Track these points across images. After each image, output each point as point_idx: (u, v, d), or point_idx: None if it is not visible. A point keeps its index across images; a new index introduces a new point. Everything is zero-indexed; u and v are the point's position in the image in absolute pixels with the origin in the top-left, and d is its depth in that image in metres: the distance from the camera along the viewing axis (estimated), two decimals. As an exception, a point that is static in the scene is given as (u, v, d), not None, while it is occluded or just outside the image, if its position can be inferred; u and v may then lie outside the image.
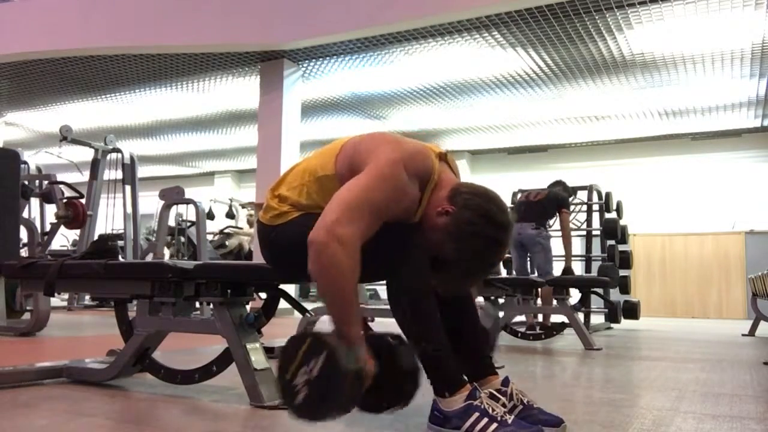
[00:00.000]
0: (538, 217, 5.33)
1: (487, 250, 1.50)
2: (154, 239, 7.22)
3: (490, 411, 1.39)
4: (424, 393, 1.47)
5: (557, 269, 5.24)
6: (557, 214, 5.45)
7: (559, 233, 5.47)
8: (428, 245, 1.55)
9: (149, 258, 6.37)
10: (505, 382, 1.57)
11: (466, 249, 1.49)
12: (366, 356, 1.38)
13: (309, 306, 2.53)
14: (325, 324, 1.46)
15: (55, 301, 7.14)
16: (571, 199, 6.71)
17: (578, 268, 6.99)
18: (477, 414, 1.39)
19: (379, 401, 1.47)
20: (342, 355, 1.28)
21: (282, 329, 4.85)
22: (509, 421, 1.38)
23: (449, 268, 1.51)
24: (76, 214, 4.96)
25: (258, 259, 6.73)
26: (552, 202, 5.43)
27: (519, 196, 5.95)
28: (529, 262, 5.45)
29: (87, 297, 7.04)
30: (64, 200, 4.92)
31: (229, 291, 1.92)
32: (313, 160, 1.67)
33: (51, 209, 5.54)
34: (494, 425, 1.36)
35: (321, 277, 1.37)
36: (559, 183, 5.73)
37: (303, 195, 1.64)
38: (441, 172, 1.61)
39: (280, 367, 1.36)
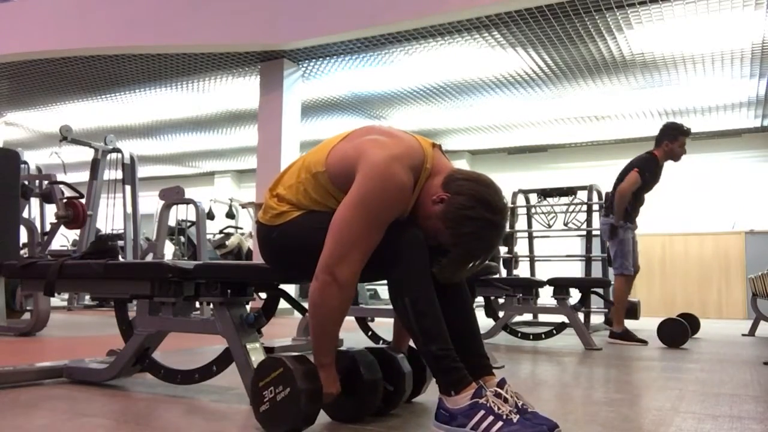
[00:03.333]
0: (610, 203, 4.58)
1: (484, 233, 1.52)
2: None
3: (496, 409, 1.39)
4: (429, 392, 1.47)
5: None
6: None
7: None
8: (425, 234, 1.56)
9: (149, 258, 6.37)
10: (501, 383, 1.57)
11: (462, 233, 1.51)
12: (331, 380, 1.54)
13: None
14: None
15: (55, 301, 7.15)
16: (571, 199, 6.71)
17: (578, 268, 7.00)
18: (483, 412, 1.39)
19: (346, 412, 1.65)
20: (302, 396, 1.43)
21: (282, 329, 4.85)
22: (515, 420, 1.37)
23: (447, 254, 1.53)
24: (76, 214, 4.96)
25: (258, 259, 6.74)
26: (623, 174, 4.48)
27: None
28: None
29: (87, 297, 7.04)
30: (64, 200, 4.92)
31: (229, 291, 1.92)
32: (309, 158, 1.68)
33: (51, 209, 5.54)
34: (500, 423, 1.36)
35: (313, 312, 1.52)
36: (673, 128, 4.43)
37: (300, 193, 1.64)
38: (434, 159, 1.62)
39: (254, 374, 1.53)
